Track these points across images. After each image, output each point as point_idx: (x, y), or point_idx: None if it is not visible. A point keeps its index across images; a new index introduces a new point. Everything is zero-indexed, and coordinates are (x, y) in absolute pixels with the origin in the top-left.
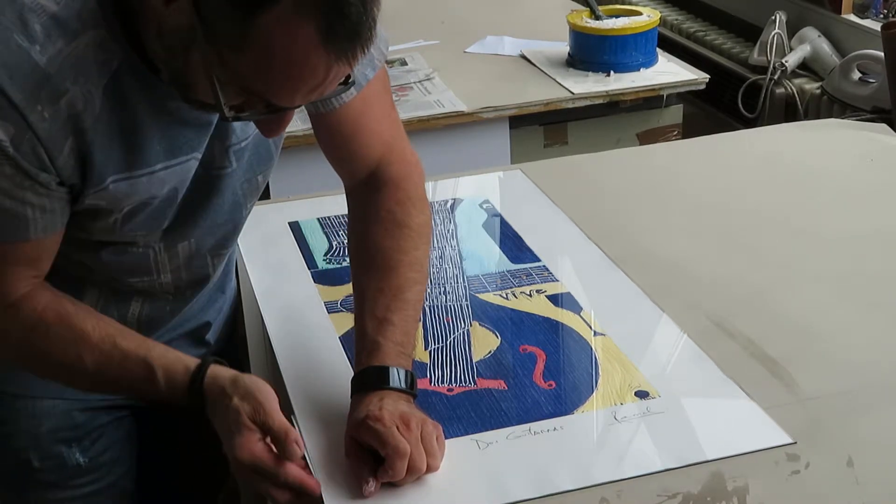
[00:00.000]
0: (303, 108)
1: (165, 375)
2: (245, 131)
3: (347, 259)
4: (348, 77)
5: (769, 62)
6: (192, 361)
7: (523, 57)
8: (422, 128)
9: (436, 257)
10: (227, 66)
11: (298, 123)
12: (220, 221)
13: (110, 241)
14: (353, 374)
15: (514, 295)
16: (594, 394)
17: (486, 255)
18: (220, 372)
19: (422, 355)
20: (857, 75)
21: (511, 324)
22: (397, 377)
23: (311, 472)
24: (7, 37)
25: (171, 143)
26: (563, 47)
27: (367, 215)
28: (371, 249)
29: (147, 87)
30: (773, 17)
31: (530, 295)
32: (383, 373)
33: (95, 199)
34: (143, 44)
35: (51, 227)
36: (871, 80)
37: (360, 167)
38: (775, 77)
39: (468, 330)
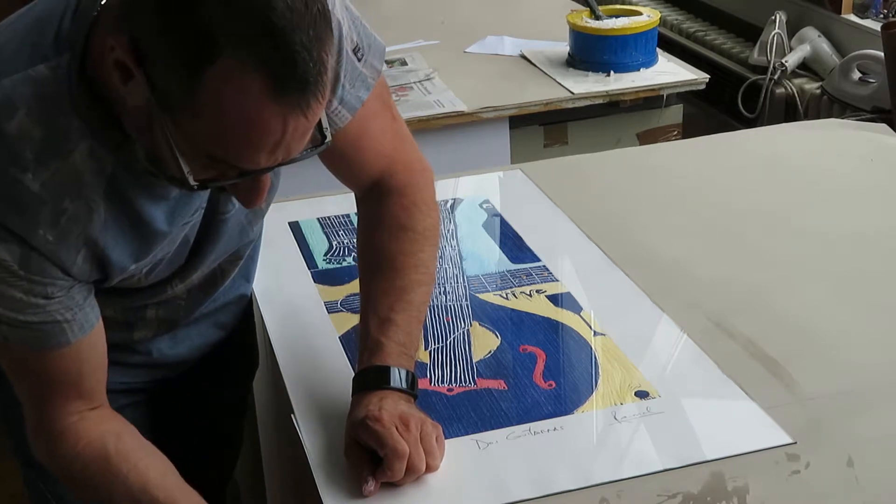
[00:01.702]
0: None
1: None
2: None
3: (347, 259)
4: (323, 134)
5: (769, 62)
6: None
7: (523, 57)
8: (422, 128)
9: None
10: (185, 133)
11: None
12: (228, 249)
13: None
14: (353, 373)
15: (514, 295)
16: (594, 394)
17: (486, 255)
18: None
19: (422, 355)
20: (857, 75)
21: (511, 324)
22: (398, 377)
23: None
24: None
25: (173, 216)
26: (563, 47)
27: (372, 221)
28: (376, 253)
29: (142, 180)
30: (773, 17)
31: (530, 295)
32: (384, 372)
33: (119, 281)
34: (127, 134)
35: (87, 324)
36: (871, 80)
37: (364, 181)
38: (775, 77)
39: (468, 330)
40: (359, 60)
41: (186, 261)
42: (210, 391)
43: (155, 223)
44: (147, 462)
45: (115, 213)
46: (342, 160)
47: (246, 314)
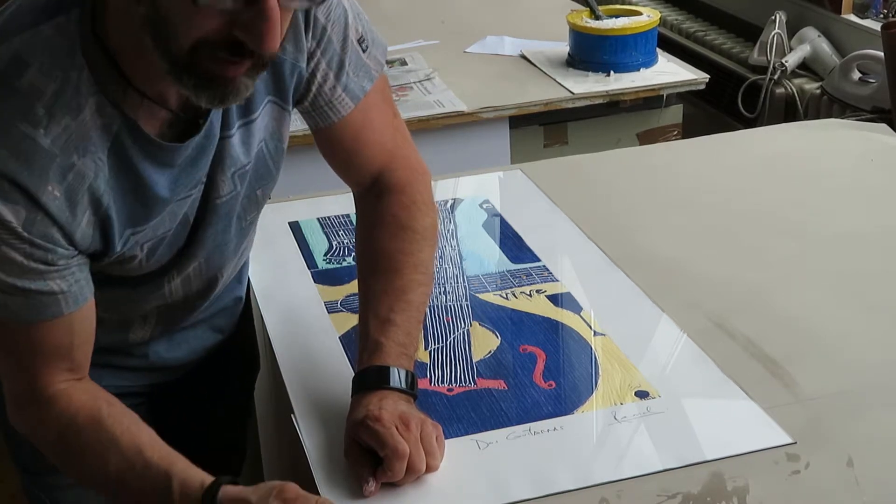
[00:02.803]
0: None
1: (181, 488)
2: (247, 156)
3: (347, 259)
4: None
5: (769, 62)
6: (208, 478)
7: (523, 57)
8: (422, 128)
9: (436, 257)
10: None
11: (298, 123)
12: (226, 240)
13: (128, 276)
14: (353, 373)
15: (514, 295)
16: (594, 394)
17: (486, 255)
18: (234, 487)
19: (422, 355)
20: (857, 75)
21: (511, 324)
22: (398, 377)
23: None
24: (10, 125)
25: (175, 184)
26: (563, 47)
27: (371, 220)
28: (375, 252)
29: (144, 144)
30: (773, 17)
31: (530, 295)
32: (384, 373)
33: (119, 255)
34: (136, 92)
35: (81, 297)
36: (871, 80)
37: (364, 176)
38: (775, 77)
39: (468, 330)
40: (363, 52)
41: (186, 244)
42: (210, 396)
43: (156, 188)
44: (138, 426)
45: (117, 173)
46: (345, 151)
47: (244, 318)
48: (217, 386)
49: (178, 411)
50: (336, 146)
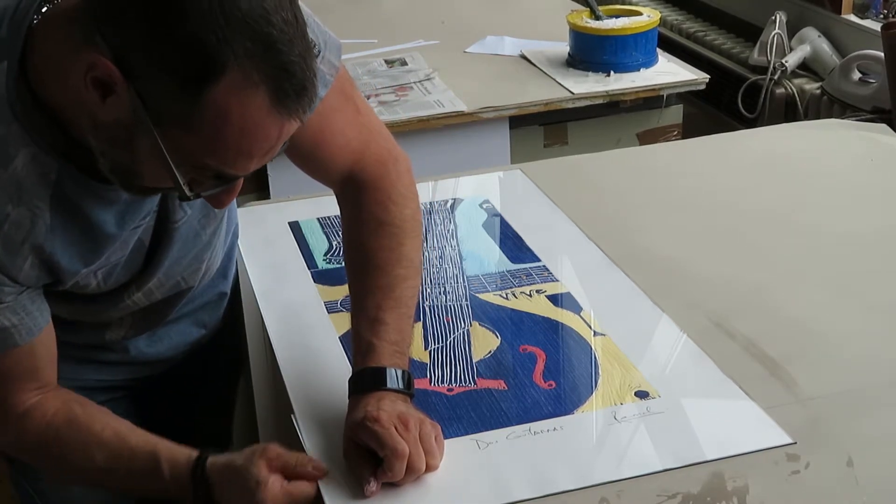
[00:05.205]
0: None
1: (169, 465)
2: None
3: None
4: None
5: (769, 62)
6: (194, 452)
7: (523, 57)
8: (422, 128)
9: (436, 257)
10: (178, 145)
11: None
12: (184, 255)
13: (86, 293)
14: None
15: (514, 295)
16: (594, 394)
17: (486, 255)
18: (220, 456)
19: (422, 355)
20: (857, 75)
21: (511, 324)
22: (394, 377)
23: None
24: None
25: (123, 219)
26: (563, 47)
27: (351, 220)
28: (358, 252)
29: (88, 187)
30: (773, 17)
31: (530, 295)
32: (380, 374)
33: (72, 285)
34: (73, 140)
35: (35, 327)
36: (871, 80)
37: (333, 178)
38: (775, 77)
39: (468, 330)
40: (316, 57)
41: (143, 266)
42: (194, 391)
43: (105, 227)
44: (115, 419)
45: (62, 219)
46: (307, 157)
47: (229, 313)
48: (201, 380)
49: (162, 405)
50: (299, 154)
